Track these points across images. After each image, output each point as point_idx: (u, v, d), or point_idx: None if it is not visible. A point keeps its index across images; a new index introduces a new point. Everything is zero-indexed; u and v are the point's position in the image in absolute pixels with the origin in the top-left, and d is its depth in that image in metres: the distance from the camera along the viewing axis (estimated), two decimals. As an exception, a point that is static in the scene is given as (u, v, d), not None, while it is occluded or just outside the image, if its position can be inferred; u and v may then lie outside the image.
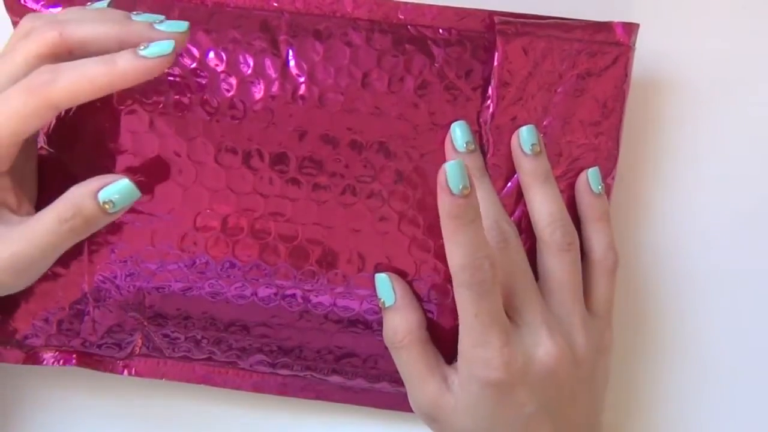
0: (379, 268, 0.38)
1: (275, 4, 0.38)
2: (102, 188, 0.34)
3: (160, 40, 0.34)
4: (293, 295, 0.38)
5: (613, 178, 0.39)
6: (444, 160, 0.37)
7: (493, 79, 0.38)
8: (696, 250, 0.43)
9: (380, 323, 0.38)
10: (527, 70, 0.38)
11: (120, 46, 0.34)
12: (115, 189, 0.34)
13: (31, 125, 0.34)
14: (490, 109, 0.38)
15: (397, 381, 0.39)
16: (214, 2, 0.39)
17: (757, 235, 0.43)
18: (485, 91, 0.38)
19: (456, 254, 0.34)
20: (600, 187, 0.38)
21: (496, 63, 0.38)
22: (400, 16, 0.39)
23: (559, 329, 0.36)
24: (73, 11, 0.36)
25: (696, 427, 0.43)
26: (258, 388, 0.41)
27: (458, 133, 0.37)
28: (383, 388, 0.41)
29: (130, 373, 0.41)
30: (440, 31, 0.38)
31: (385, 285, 0.37)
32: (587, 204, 0.38)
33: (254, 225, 0.38)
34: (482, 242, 0.34)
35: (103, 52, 0.34)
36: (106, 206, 0.34)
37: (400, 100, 0.38)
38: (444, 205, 0.33)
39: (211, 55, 0.38)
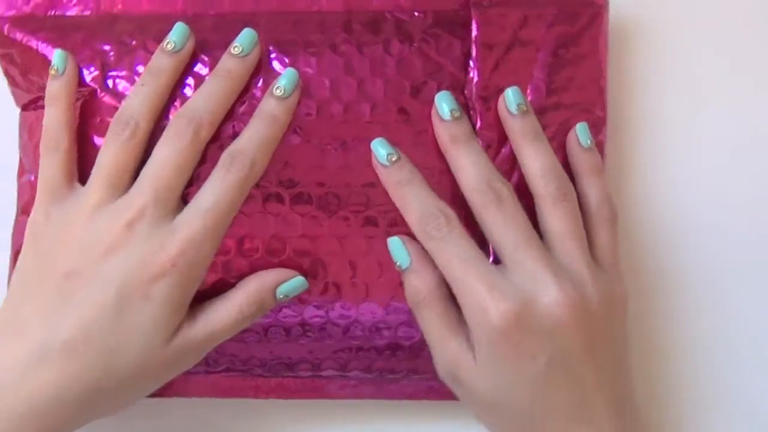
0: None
1: (252, 6, 0.39)
2: (280, 284, 0.37)
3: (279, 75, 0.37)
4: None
5: (604, 135, 0.39)
6: (434, 140, 0.38)
7: (473, 52, 0.38)
8: (692, 202, 0.43)
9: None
10: (506, 39, 0.38)
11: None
12: (293, 286, 0.37)
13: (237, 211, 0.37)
14: (474, 81, 0.38)
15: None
16: (194, 13, 0.39)
17: (754, 177, 0.43)
18: (467, 64, 0.38)
19: (409, 213, 0.36)
20: (589, 141, 0.38)
21: (474, 35, 0.38)
22: (375, 4, 0.39)
23: (565, 277, 0.35)
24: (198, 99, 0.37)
25: (728, 381, 0.42)
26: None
27: (442, 103, 0.37)
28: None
29: None
30: (415, 13, 0.39)
31: (398, 248, 0.37)
32: (578, 159, 0.38)
33: (294, 247, 0.38)
34: (429, 195, 0.36)
35: None
36: (281, 299, 0.37)
37: (384, 84, 0.38)
38: (383, 177, 0.37)
39: (198, 67, 0.38)
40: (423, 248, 0.37)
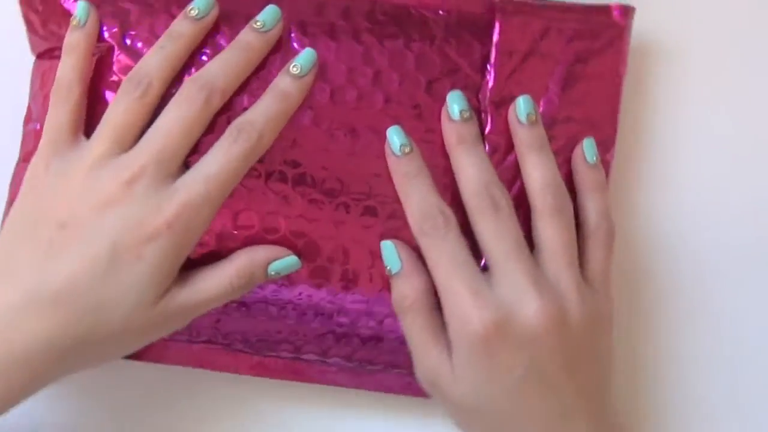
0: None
1: None
2: (273, 260, 0.37)
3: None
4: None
5: (612, 154, 0.40)
6: (442, 139, 0.38)
7: (492, 56, 0.39)
8: (699, 231, 0.43)
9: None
10: (525, 48, 0.39)
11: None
12: (285, 264, 0.37)
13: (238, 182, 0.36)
14: (489, 85, 0.38)
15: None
16: None
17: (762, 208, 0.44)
18: (484, 68, 0.39)
19: (409, 206, 0.37)
20: (595, 157, 0.38)
21: (495, 39, 0.38)
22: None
23: (549, 291, 0.35)
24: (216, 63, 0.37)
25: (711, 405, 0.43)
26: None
27: (453, 102, 0.38)
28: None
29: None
30: (440, 12, 0.39)
31: (390, 252, 0.37)
32: (582, 174, 0.38)
33: (290, 227, 0.38)
34: (433, 194, 0.37)
35: None
36: (271, 275, 0.37)
37: (400, 78, 0.38)
38: (392, 166, 0.37)
39: (218, 37, 0.38)
40: (414, 255, 0.37)
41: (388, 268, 0.37)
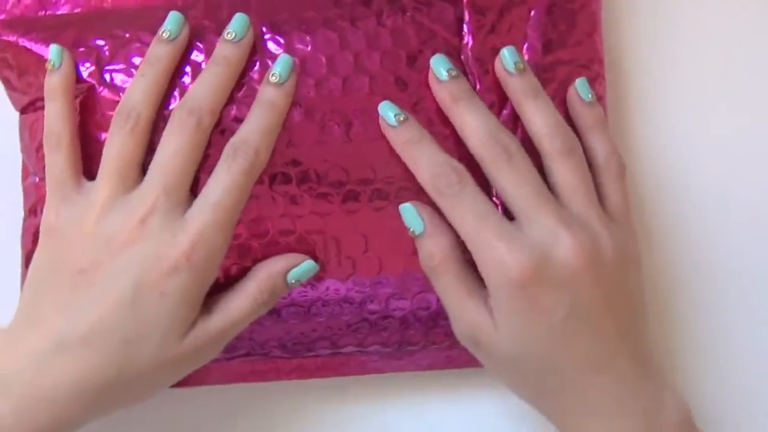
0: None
1: None
2: (290, 269, 0.37)
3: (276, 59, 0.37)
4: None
5: (604, 89, 0.39)
6: (436, 106, 0.38)
7: (466, 14, 0.38)
8: (694, 153, 0.44)
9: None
10: (498, 1, 0.38)
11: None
12: (303, 270, 0.37)
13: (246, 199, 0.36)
14: (469, 44, 0.38)
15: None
16: (184, 2, 0.39)
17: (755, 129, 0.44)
18: (460, 29, 0.38)
19: (420, 171, 0.36)
20: (590, 95, 0.38)
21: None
22: None
23: (579, 228, 0.35)
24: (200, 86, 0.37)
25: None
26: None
27: (438, 65, 0.37)
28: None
29: None
30: None
31: (411, 214, 0.37)
32: (581, 114, 0.38)
33: (302, 227, 0.38)
34: (439, 153, 0.36)
35: None
36: (292, 284, 0.37)
37: (381, 56, 0.38)
38: (391, 138, 0.37)
39: (194, 54, 0.38)
40: (435, 213, 0.37)
41: (411, 229, 0.37)
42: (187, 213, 0.35)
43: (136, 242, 0.35)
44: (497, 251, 0.34)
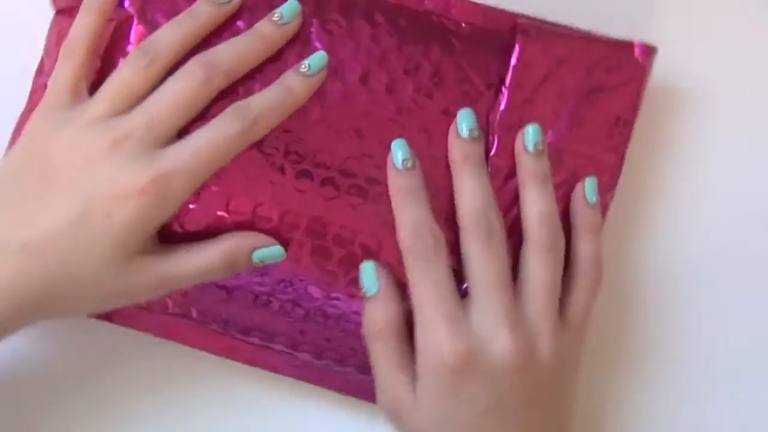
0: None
1: None
2: (258, 248, 0.37)
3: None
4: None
5: (612, 196, 0.40)
6: (446, 156, 0.38)
7: (508, 78, 0.38)
8: (687, 283, 0.44)
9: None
10: (543, 74, 0.38)
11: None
12: (269, 253, 0.37)
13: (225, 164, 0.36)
14: (501, 108, 0.38)
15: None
16: None
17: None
18: (498, 89, 0.38)
19: (402, 224, 0.37)
20: (595, 198, 0.38)
21: (513, 62, 0.38)
22: (427, 5, 0.39)
23: (523, 329, 0.35)
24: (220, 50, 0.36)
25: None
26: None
27: (463, 120, 0.37)
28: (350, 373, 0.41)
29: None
30: (463, 24, 0.39)
31: (369, 274, 0.37)
32: (580, 213, 0.38)
33: (282, 219, 0.38)
34: (427, 214, 0.36)
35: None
36: (254, 263, 0.37)
37: (413, 87, 0.38)
38: (391, 180, 0.37)
39: (238, 24, 0.38)
40: (393, 280, 0.37)
41: (364, 290, 0.37)
42: (164, 149, 0.35)
43: (100, 162, 0.35)
44: (438, 329, 0.35)
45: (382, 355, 0.37)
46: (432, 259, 0.36)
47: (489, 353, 0.35)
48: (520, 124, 0.38)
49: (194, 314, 0.40)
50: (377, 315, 0.37)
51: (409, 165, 0.37)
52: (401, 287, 0.37)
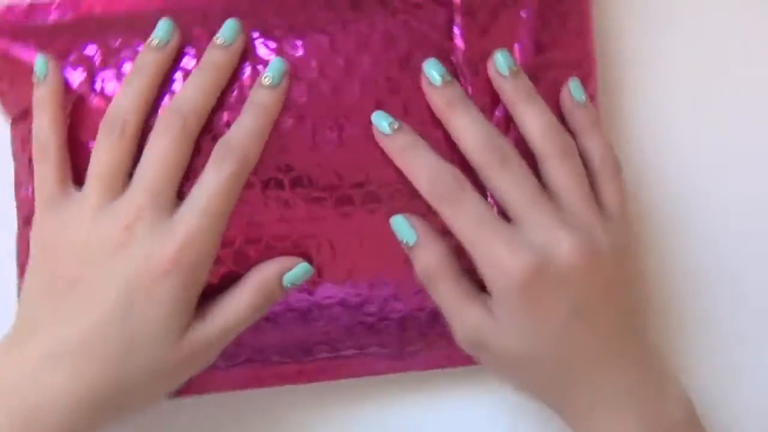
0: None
1: None
2: (285, 272, 0.37)
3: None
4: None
5: (595, 89, 0.40)
6: (428, 109, 0.38)
7: (456, 17, 0.38)
8: (686, 149, 0.44)
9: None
10: (489, 3, 0.38)
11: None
12: (298, 273, 0.37)
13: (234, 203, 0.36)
14: (460, 47, 0.38)
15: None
16: (176, 8, 0.39)
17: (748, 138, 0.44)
18: (451, 31, 0.38)
19: (417, 176, 0.36)
20: (583, 96, 0.38)
21: (456, 1, 0.38)
22: None
23: (578, 228, 0.35)
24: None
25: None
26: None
27: (431, 69, 0.37)
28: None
29: None
30: None
31: (403, 225, 0.37)
32: (574, 115, 0.38)
33: (297, 231, 0.38)
34: (435, 158, 0.36)
35: None
36: (287, 288, 0.37)
37: (371, 60, 0.38)
38: (387, 145, 0.37)
39: (185, 60, 0.38)
40: (427, 223, 0.37)
41: (404, 241, 0.37)
42: (174, 216, 0.35)
43: (123, 249, 0.35)
44: (498, 254, 0.35)
45: (447, 293, 0.36)
46: (459, 195, 0.36)
47: (556, 259, 0.35)
48: (485, 57, 0.38)
49: (257, 355, 0.40)
50: (428, 258, 0.36)
51: (396, 126, 0.37)
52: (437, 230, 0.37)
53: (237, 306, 0.37)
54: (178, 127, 0.35)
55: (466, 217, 0.35)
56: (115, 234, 0.35)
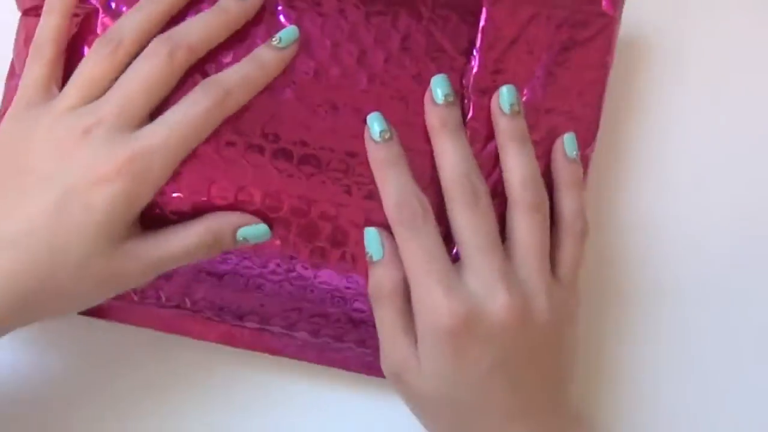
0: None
1: None
2: (242, 226, 0.37)
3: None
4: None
5: (592, 150, 0.40)
6: (424, 123, 0.38)
7: (479, 42, 0.38)
8: (673, 229, 0.44)
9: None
10: (513, 34, 0.38)
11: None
12: (255, 232, 0.37)
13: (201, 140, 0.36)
14: (474, 71, 0.38)
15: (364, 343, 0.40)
16: None
17: (741, 212, 0.44)
18: (470, 53, 0.38)
19: (387, 194, 0.37)
20: (575, 153, 0.38)
21: (482, 24, 0.38)
22: None
23: (519, 288, 0.36)
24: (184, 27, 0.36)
25: (670, 399, 0.43)
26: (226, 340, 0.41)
27: (437, 86, 0.37)
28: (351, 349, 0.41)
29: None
30: None
31: (374, 239, 0.37)
32: (560, 169, 0.38)
33: (265, 200, 0.38)
34: (411, 182, 0.37)
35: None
36: (239, 242, 0.37)
37: (385, 57, 0.38)
38: (371, 152, 0.37)
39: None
40: (396, 245, 0.37)
41: (369, 254, 0.37)
42: (136, 132, 0.35)
43: (76, 150, 0.35)
44: (434, 293, 0.35)
45: (388, 319, 0.37)
46: (420, 226, 0.36)
47: (487, 313, 0.35)
48: (495, 86, 0.38)
49: (188, 304, 0.40)
50: (384, 279, 0.37)
51: (386, 136, 0.37)
52: None
53: (185, 237, 0.37)
54: (164, 53, 0.35)
55: (417, 249, 0.36)
56: (73, 135, 0.35)
